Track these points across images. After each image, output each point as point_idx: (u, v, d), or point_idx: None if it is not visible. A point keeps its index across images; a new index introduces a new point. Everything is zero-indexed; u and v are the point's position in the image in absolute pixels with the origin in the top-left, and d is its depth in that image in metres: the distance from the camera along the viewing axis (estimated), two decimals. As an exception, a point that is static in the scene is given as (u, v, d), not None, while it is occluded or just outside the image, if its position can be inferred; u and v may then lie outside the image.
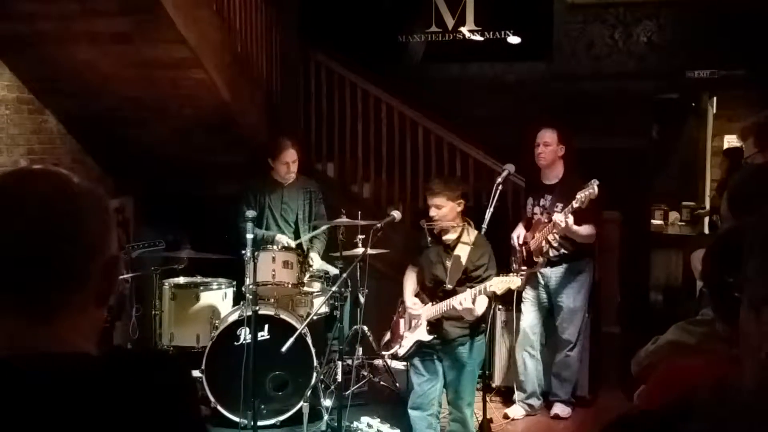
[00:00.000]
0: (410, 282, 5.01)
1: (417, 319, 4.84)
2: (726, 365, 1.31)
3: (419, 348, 4.83)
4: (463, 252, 4.73)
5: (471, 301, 4.52)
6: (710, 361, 1.56)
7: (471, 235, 4.79)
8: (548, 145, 5.65)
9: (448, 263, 4.75)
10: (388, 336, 5.16)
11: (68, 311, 1.26)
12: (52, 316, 1.25)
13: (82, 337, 1.28)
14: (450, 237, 4.80)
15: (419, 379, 4.88)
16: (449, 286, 4.70)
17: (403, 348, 4.92)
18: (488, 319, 4.86)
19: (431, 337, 4.77)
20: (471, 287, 4.62)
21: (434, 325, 4.77)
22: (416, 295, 4.95)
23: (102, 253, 1.29)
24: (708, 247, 1.74)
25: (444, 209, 4.72)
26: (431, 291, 4.84)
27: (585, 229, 5.46)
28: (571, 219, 5.23)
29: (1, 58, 5.95)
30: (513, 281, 4.51)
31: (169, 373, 1.35)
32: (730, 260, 1.77)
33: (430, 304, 4.79)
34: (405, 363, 5.38)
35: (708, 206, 7.05)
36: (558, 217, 5.27)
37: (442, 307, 4.68)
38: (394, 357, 5.12)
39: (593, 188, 5.12)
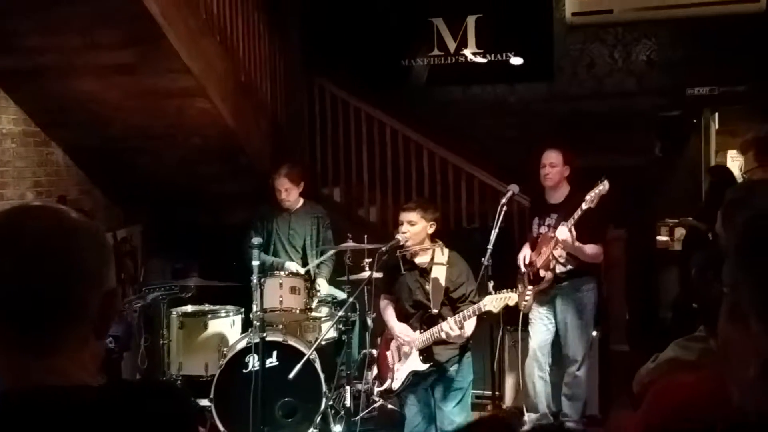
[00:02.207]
0: (390, 312, 4.93)
1: (408, 347, 4.76)
2: (723, 380, 1.33)
3: (413, 378, 4.76)
4: (440, 273, 4.70)
5: (458, 327, 4.49)
6: (707, 376, 1.57)
7: (444, 254, 4.76)
8: (554, 165, 5.67)
9: (428, 287, 4.70)
10: (375, 371, 5.10)
11: (67, 344, 1.28)
12: (51, 349, 1.27)
13: (82, 369, 1.30)
14: (423, 260, 4.77)
15: (412, 410, 4.84)
16: (434, 311, 4.66)
17: (397, 381, 4.82)
18: (495, 342, 4.86)
19: (427, 365, 4.70)
20: (457, 309, 4.60)
21: (425, 353, 4.70)
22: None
23: (100, 286, 1.32)
24: (696, 264, 1.76)
25: (417, 226, 4.69)
26: (415, 317, 4.77)
27: (591, 249, 5.47)
28: (573, 231, 5.24)
29: (6, 92, 6.01)
30: (510, 297, 4.47)
31: (168, 404, 1.37)
32: (714, 275, 1.80)
33: (418, 332, 4.71)
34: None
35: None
36: (561, 230, 5.27)
37: (433, 333, 4.62)
38: (389, 392, 4.97)
39: (605, 185, 5.14)
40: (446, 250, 4.79)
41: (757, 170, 3.00)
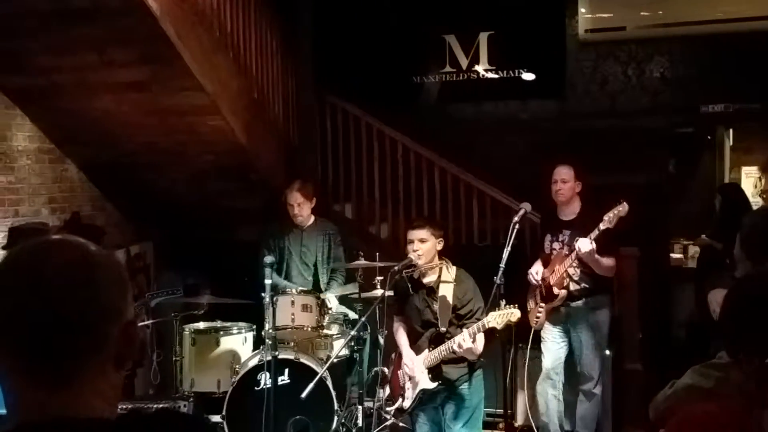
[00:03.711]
0: (402, 334, 4.96)
1: (417, 369, 4.77)
2: (742, 411, 1.32)
3: (424, 396, 4.76)
4: (447, 291, 4.70)
5: (471, 340, 4.49)
6: (726, 405, 1.56)
7: (451, 272, 4.76)
8: (566, 181, 5.67)
9: (436, 306, 4.70)
10: (387, 391, 5.10)
11: (87, 376, 1.30)
12: (71, 381, 1.28)
13: (102, 400, 1.31)
14: (430, 279, 4.77)
15: (423, 429, 4.85)
16: (442, 329, 4.66)
17: (408, 400, 4.83)
18: (507, 359, 4.83)
19: (435, 384, 4.70)
20: (463, 325, 4.59)
21: (434, 371, 4.71)
22: (410, 346, 4.90)
23: (120, 318, 1.34)
24: (727, 293, 1.75)
25: (428, 243, 4.69)
26: (424, 337, 4.78)
27: (606, 261, 5.48)
28: (594, 244, 5.23)
29: (22, 110, 6.05)
30: (513, 314, 4.44)
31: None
32: (748, 308, 1.78)
33: (427, 350, 4.73)
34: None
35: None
36: (583, 242, 5.26)
37: (442, 351, 4.62)
38: (400, 410, 4.97)
39: (624, 206, 5.14)
40: (453, 268, 4.79)
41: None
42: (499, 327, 4.48)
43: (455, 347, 4.53)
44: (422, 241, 4.70)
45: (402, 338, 4.95)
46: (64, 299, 1.27)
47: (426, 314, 4.75)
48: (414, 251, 4.70)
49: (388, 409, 5.15)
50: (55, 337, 1.26)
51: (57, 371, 1.27)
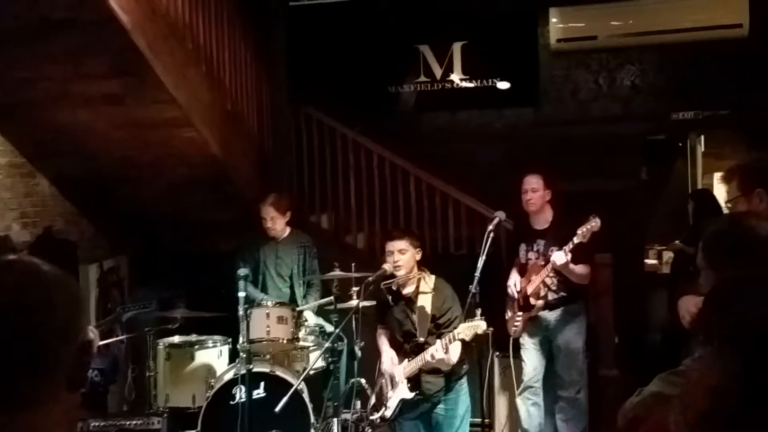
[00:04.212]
0: (384, 340, 5.02)
1: (397, 377, 4.81)
2: None
3: (404, 406, 4.79)
4: (425, 301, 4.73)
5: (443, 350, 4.52)
6: None
7: (429, 282, 4.80)
8: (536, 191, 5.69)
9: (415, 317, 4.74)
10: (374, 399, 5.11)
11: (39, 399, 1.27)
12: (21, 405, 1.26)
13: (54, 424, 1.29)
14: (409, 290, 4.81)
15: None
16: (421, 339, 4.70)
17: (389, 410, 4.86)
18: (485, 368, 4.85)
19: (413, 393, 4.74)
20: (442, 334, 4.62)
21: (413, 381, 4.74)
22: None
23: (73, 340, 1.31)
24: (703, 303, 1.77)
25: (407, 254, 4.74)
26: (405, 347, 4.82)
27: (581, 269, 5.53)
28: (569, 256, 5.27)
29: (-7, 124, 6.00)
30: (479, 326, 4.49)
31: None
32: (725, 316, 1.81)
33: (406, 360, 4.77)
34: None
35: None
36: (558, 255, 5.30)
37: (418, 362, 4.67)
38: (383, 420, 5.01)
39: (596, 222, 5.18)
40: (432, 277, 4.82)
41: (741, 199, 2.99)
42: (467, 339, 4.52)
43: (428, 357, 4.57)
44: (401, 252, 4.72)
45: (383, 344, 5.00)
46: (16, 322, 1.25)
47: (406, 325, 4.78)
48: (394, 263, 4.71)
49: (371, 417, 5.17)
50: (7, 361, 1.24)
51: (6, 395, 1.25)
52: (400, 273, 4.74)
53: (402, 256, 4.72)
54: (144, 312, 5.78)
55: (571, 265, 5.38)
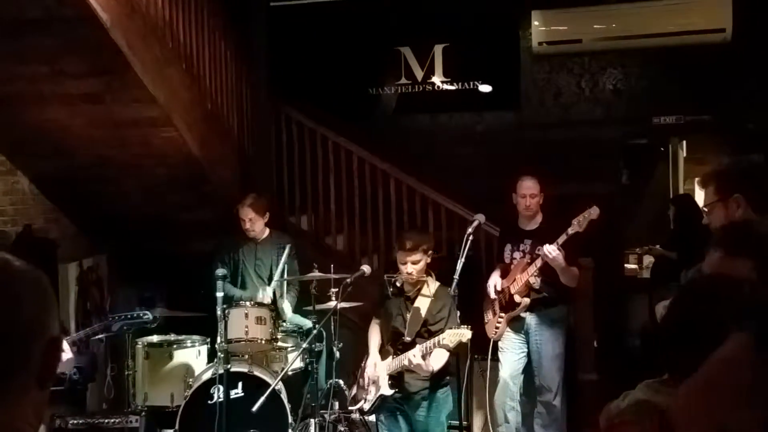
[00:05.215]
0: (375, 335, 4.99)
1: (379, 373, 4.80)
2: None
3: (383, 402, 4.79)
4: (423, 304, 4.71)
5: (421, 356, 4.49)
6: None
7: (432, 286, 4.77)
8: (534, 196, 5.68)
9: (408, 315, 4.73)
10: (355, 390, 5.11)
11: (7, 396, 1.25)
12: None
13: (23, 422, 1.27)
14: (411, 290, 4.80)
15: None
16: (407, 339, 4.68)
17: (368, 403, 4.86)
18: (463, 371, 4.84)
19: (393, 391, 4.72)
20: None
21: (396, 379, 4.73)
22: (380, 348, 4.92)
23: (42, 336, 1.29)
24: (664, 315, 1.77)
25: (421, 263, 4.70)
26: (392, 343, 4.82)
27: (573, 269, 5.49)
28: (561, 250, 5.25)
29: (-29, 122, 5.95)
30: (464, 334, 4.44)
31: None
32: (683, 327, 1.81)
33: (391, 357, 4.76)
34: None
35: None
36: (549, 248, 5.27)
37: (401, 361, 4.65)
38: (361, 412, 5.05)
39: (595, 209, 5.16)
40: (436, 283, 4.80)
41: (717, 204, 3.00)
42: (451, 346, 4.50)
43: (405, 362, 4.56)
44: (415, 263, 4.69)
45: (373, 340, 4.98)
46: None
47: (397, 321, 4.78)
48: (407, 273, 4.69)
49: (350, 408, 5.18)
50: None
51: None
52: (412, 279, 4.72)
53: (415, 266, 4.69)
54: (136, 323, 5.46)
55: (563, 262, 5.32)
